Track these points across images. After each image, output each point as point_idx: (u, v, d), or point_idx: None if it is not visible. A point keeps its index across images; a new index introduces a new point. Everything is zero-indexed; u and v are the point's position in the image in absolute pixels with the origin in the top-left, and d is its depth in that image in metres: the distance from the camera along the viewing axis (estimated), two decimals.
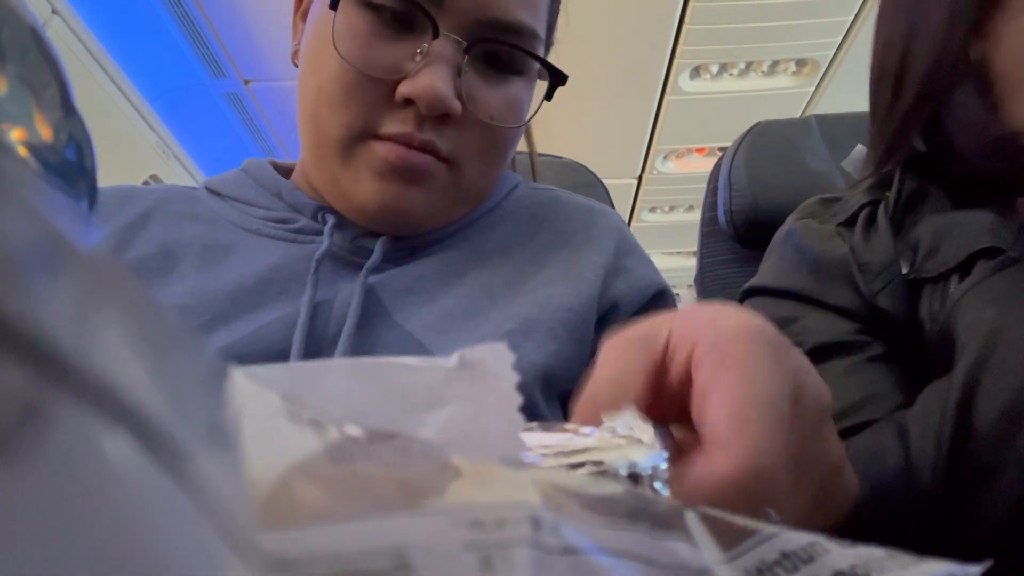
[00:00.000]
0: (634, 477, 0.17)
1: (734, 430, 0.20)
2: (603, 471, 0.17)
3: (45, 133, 0.20)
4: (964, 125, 0.50)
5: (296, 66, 0.51)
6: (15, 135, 0.19)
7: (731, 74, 2.09)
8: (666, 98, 2.13)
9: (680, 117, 2.22)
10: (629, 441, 0.18)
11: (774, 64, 2.06)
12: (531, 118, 0.51)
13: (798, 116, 1.76)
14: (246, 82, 1.99)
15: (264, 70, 1.95)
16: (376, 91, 0.44)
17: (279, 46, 1.86)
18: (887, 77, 0.54)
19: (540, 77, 0.52)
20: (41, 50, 0.20)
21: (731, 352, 0.21)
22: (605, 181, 1.00)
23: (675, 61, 1.98)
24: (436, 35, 0.44)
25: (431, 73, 0.43)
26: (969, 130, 0.49)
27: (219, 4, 1.70)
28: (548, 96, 0.52)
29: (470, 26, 0.45)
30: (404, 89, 0.44)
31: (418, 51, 0.44)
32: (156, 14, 1.72)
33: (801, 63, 2.05)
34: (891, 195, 0.53)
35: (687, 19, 1.82)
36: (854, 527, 0.23)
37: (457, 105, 0.44)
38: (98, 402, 0.07)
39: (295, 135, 0.52)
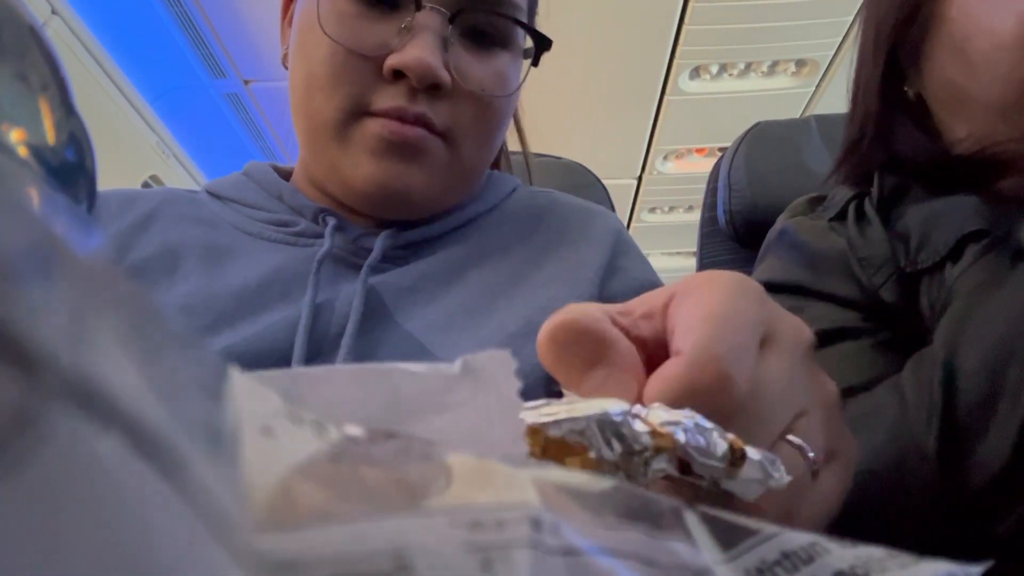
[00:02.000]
0: (604, 422, 0.18)
1: (683, 335, 0.20)
2: (573, 416, 0.17)
3: (45, 134, 0.20)
4: (910, 150, 0.53)
5: (287, 68, 0.52)
6: (15, 135, 0.19)
7: (731, 74, 2.09)
8: (666, 98, 2.13)
9: (680, 117, 2.22)
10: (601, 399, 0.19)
11: (774, 64, 2.06)
12: (519, 87, 0.52)
13: (798, 116, 1.76)
14: (246, 82, 1.99)
15: (264, 70, 1.95)
16: (366, 69, 0.45)
17: (279, 47, 1.85)
18: (850, 98, 0.57)
19: (526, 56, 0.53)
20: (41, 50, 0.20)
21: (702, 292, 0.22)
22: (605, 181, 1.00)
23: (675, 61, 1.98)
24: (419, 7, 0.45)
25: (417, 44, 0.44)
26: (917, 154, 0.52)
27: (219, 4, 1.70)
28: (535, 62, 0.53)
29: None
30: (392, 61, 0.45)
31: (403, 25, 0.45)
32: (156, 14, 1.72)
33: (801, 63, 2.05)
34: (874, 191, 0.54)
35: (687, 19, 1.82)
36: (858, 488, 0.23)
37: (446, 75, 0.45)
38: (94, 408, 0.07)
39: (295, 135, 0.53)
